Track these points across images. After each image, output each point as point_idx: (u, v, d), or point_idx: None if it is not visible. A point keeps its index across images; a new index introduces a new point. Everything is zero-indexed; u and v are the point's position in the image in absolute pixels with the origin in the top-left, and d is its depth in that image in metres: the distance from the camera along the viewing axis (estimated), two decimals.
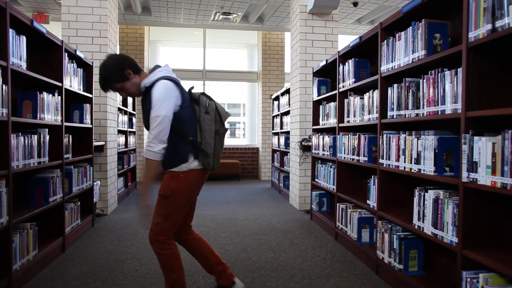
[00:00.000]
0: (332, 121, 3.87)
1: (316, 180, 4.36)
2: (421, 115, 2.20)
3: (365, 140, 2.98)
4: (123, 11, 7.10)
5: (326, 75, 4.44)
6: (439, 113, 2.01)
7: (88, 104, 3.95)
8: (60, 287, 2.45)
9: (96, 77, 4.49)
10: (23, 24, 2.51)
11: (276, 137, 7.18)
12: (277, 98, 7.21)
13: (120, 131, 5.76)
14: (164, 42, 9.86)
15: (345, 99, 3.48)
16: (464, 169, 1.74)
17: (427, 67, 2.17)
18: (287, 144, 6.12)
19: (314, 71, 4.50)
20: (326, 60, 4.02)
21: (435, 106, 2.05)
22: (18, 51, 2.45)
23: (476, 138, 1.68)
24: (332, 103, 3.90)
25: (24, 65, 2.54)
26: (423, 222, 2.14)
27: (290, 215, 4.72)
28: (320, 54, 5.01)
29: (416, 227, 2.21)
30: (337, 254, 3.15)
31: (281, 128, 6.69)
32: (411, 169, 2.27)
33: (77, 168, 3.60)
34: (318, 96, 4.34)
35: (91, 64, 4.05)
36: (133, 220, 4.35)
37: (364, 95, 3.04)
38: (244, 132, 10.90)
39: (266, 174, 8.50)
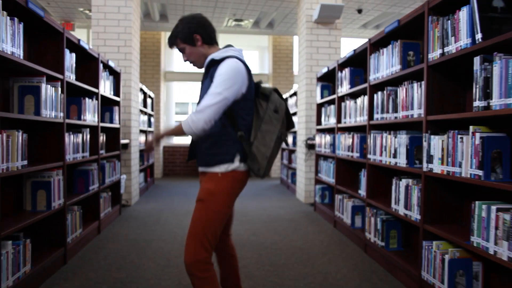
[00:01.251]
0: (332, 122, 4.35)
1: (319, 175, 4.85)
2: (398, 118, 2.67)
3: (357, 139, 3.47)
4: (142, 18, 7.67)
5: (329, 80, 4.92)
6: (409, 117, 2.49)
7: (116, 107, 4.51)
8: (104, 257, 3.00)
9: (123, 83, 5.07)
10: (72, 43, 3.06)
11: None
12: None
13: (140, 131, 6.33)
14: None
15: (342, 103, 3.96)
16: (424, 161, 2.23)
17: (403, 78, 2.65)
18: (294, 143, 6.61)
19: (318, 76, 4.98)
20: (328, 68, 4.49)
21: (407, 111, 2.53)
22: (69, 65, 3.01)
23: (432, 136, 2.16)
24: (332, 105, 4.37)
25: (73, 76, 3.10)
26: (398, 205, 2.62)
27: (296, 207, 5.22)
28: (324, 60, 5.49)
29: (393, 210, 2.69)
30: (334, 238, 3.64)
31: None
32: (390, 162, 2.75)
33: (109, 163, 4.16)
34: (321, 99, 4.82)
35: (119, 71, 4.61)
36: (154, 210, 4.91)
37: (357, 99, 3.51)
38: None
39: (276, 172, 8.99)
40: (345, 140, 3.80)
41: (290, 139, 7.02)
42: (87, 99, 3.41)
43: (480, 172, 1.77)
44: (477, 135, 1.79)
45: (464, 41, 1.94)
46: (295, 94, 6.64)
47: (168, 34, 8.32)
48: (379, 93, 3.00)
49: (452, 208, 2.24)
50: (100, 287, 2.44)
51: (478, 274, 2.02)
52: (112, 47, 5.20)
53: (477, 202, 1.81)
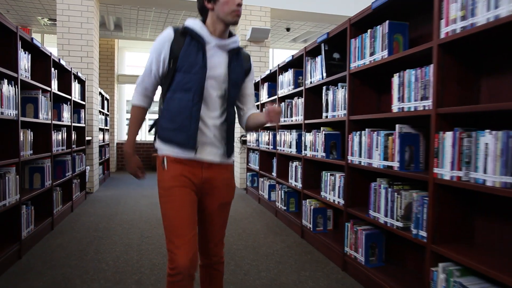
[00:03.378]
0: None
1: (249, 164, 6.11)
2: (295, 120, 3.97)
3: (271, 135, 4.75)
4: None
5: (257, 89, 6.17)
6: (294, 121, 3.80)
7: (83, 109, 5.44)
8: (82, 225, 4.00)
9: (88, 88, 5.98)
10: (55, 62, 4.02)
11: None
12: None
13: (99, 129, 7.21)
14: (130, 49, 11.28)
15: (282, 102, 4.94)
16: (303, 149, 3.53)
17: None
18: None
19: (262, 78, 5.91)
20: (270, 70, 5.36)
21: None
22: (54, 79, 3.98)
23: (307, 133, 3.47)
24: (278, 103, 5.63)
25: (55, 87, 4.06)
26: (293, 180, 3.92)
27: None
28: (256, 72, 6.75)
29: (290, 183, 3.99)
30: (256, 209, 4.90)
31: None
32: (290, 151, 4.06)
33: (78, 155, 5.10)
34: (268, 97, 6.03)
35: (84, 80, 5.54)
36: (114, 195, 5.90)
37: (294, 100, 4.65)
38: None
39: None
40: (264, 136, 5.08)
41: None
42: (64, 104, 4.37)
43: (323, 154, 3.10)
44: (323, 133, 3.12)
45: (318, 76, 3.26)
46: None
47: (122, 43, 9.23)
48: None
49: (313, 176, 3.57)
50: (85, 241, 3.49)
51: (330, 217, 3.36)
52: (76, 58, 6.07)
53: (323, 172, 3.13)
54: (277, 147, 4.44)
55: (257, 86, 5.90)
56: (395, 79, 2.18)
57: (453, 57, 1.84)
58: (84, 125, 5.46)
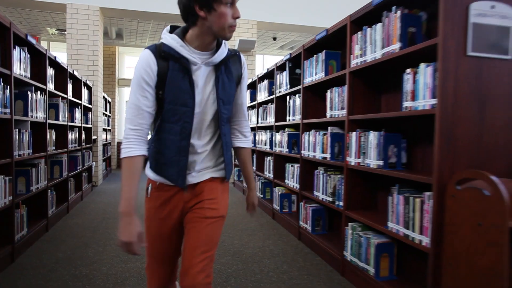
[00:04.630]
0: (252, 123, 6.42)
1: (236, 161, 6.92)
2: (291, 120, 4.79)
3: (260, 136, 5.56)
4: None
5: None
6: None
7: (90, 112, 6.24)
8: (92, 210, 4.80)
9: (94, 93, 6.78)
10: (72, 75, 4.82)
11: None
12: None
13: (103, 129, 8.02)
14: (129, 53, 12.07)
15: (260, 107, 5.78)
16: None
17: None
18: None
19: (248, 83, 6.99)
20: (251, 78, 6.37)
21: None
22: (70, 89, 4.78)
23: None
24: (253, 109, 6.43)
25: (70, 94, 4.87)
26: (269, 172, 4.74)
27: None
28: None
29: (266, 176, 4.81)
30: (241, 200, 5.72)
31: None
32: (266, 148, 4.87)
33: (86, 152, 5.91)
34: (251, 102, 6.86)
35: (91, 86, 6.34)
36: (117, 188, 6.71)
37: (268, 105, 5.54)
38: None
39: None
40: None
41: None
42: (76, 108, 5.18)
43: (287, 149, 3.92)
44: (286, 133, 3.93)
45: (285, 88, 4.08)
46: None
47: (122, 48, 10.11)
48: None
49: (281, 168, 4.39)
50: (96, 221, 4.30)
51: (294, 200, 4.17)
52: (83, 66, 6.87)
53: (287, 164, 3.95)
54: (257, 145, 5.26)
55: (250, 85, 6.73)
56: (328, 94, 3.01)
57: (360, 80, 2.66)
58: (91, 125, 6.27)
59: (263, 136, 4.96)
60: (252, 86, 6.01)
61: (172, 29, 1.34)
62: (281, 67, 4.34)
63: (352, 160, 2.59)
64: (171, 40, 1.26)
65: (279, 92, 4.29)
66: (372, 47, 2.37)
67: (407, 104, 2.03)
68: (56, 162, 4.39)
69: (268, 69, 4.79)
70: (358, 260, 2.48)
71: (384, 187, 2.66)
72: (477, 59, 1.80)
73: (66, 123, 4.51)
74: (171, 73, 1.26)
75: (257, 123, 5.28)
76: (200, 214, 1.37)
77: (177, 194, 1.38)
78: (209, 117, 1.35)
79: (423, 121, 2.30)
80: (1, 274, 2.62)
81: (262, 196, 4.99)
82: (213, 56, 1.30)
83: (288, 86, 3.96)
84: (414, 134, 2.36)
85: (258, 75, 5.33)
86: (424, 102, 1.89)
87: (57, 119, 4.24)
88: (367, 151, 2.41)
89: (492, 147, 1.84)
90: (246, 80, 1.48)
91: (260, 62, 11.51)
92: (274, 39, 9.22)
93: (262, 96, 5.09)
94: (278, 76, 4.34)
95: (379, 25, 2.29)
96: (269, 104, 4.74)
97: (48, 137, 3.80)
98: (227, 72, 1.36)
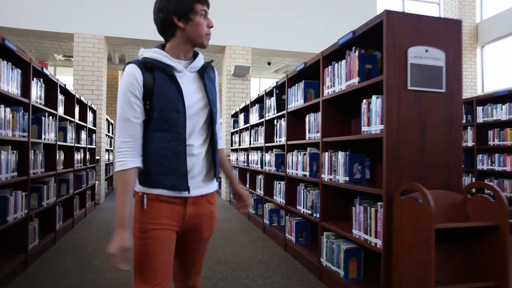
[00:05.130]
0: (245, 144, 6.83)
1: None
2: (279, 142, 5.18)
3: (244, 156, 5.95)
4: None
5: (235, 116, 7.42)
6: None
7: (94, 134, 6.66)
8: (96, 225, 5.14)
9: (98, 116, 7.21)
10: (79, 100, 5.25)
11: None
12: None
13: (106, 150, 8.42)
14: None
15: (252, 129, 6.22)
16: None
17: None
18: None
19: (240, 108, 7.33)
20: (245, 102, 6.86)
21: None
22: (77, 112, 5.21)
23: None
24: (246, 131, 6.84)
25: (77, 117, 5.29)
26: (260, 190, 5.10)
27: (220, 203, 7.59)
28: (238, 101, 8.02)
29: (258, 193, 5.17)
30: (235, 216, 6.06)
31: None
32: (258, 168, 5.25)
33: (90, 171, 6.29)
34: (233, 129, 7.30)
35: (95, 109, 6.78)
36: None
37: (259, 127, 5.97)
38: None
39: None
40: (241, 156, 6.28)
41: None
42: (82, 130, 5.59)
43: (275, 168, 4.30)
44: (274, 153, 4.32)
45: (273, 112, 4.49)
46: (220, 123, 9.11)
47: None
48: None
49: (270, 185, 4.75)
50: (100, 236, 4.64)
51: (283, 215, 4.52)
52: (88, 90, 7.34)
53: (275, 181, 4.32)
54: (249, 164, 5.64)
55: (236, 114, 7.16)
56: (307, 119, 3.41)
57: (332, 107, 3.07)
58: (95, 146, 6.67)
59: (254, 156, 5.35)
60: (246, 110, 6.44)
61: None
62: (269, 93, 4.77)
63: (325, 176, 2.97)
64: (153, 53, 1.33)
65: (268, 115, 4.70)
66: (339, 79, 2.79)
67: (364, 128, 2.43)
68: (63, 180, 4.76)
69: (258, 94, 5.22)
70: (332, 265, 2.83)
71: (353, 200, 3.03)
72: (417, 92, 2.21)
73: (73, 145, 4.91)
74: (158, 82, 1.30)
75: (250, 144, 5.68)
76: (200, 235, 1.45)
77: (178, 205, 1.36)
78: (202, 120, 1.39)
79: (380, 142, 2.69)
80: (16, 279, 2.96)
81: (254, 212, 5.34)
82: (193, 62, 1.39)
83: (276, 111, 4.37)
84: (376, 153, 2.75)
85: (250, 100, 5.76)
86: (376, 127, 2.29)
87: (65, 140, 4.64)
88: (337, 168, 2.80)
89: (431, 164, 2.23)
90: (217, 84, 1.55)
91: (257, 85, 12.01)
92: (269, 63, 9.73)
93: (254, 119, 5.50)
94: (267, 101, 4.77)
95: (343, 62, 2.71)
96: (260, 126, 5.15)
97: (57, 157, 4.19)
98: (209, 78, 1.45)
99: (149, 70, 1.31)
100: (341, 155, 2.73)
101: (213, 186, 1.47)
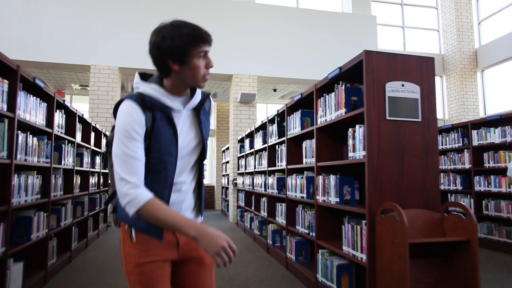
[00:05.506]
0: (251, 168, 7.11)
1: (238, 202, 7.54)
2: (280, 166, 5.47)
3: (250, 179, 6.22)
4: None
5: (241, 141, 7.74)
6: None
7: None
8: (108, 245, 5.41)
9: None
10: (95, 129, 5.63)
11: (224, 178, 10.35)
12: (223, 151, 10.47)
13: None
14: None
15: (257, 154, 6.53)
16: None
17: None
18: (228, 182, 9.29)
19: (238, 139, 7.77)
20: (250, 128, 7.29)
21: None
22: (92, 138, 5.58)
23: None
24: (251, 156, 7.15)
25: (93, 143, 5.66)
26: (264, 211, 5.35)
27: (227, 225, 7.82)
28: (245, 127, 8.36)
29: (262, 215, 5.40)
30: (241, 236, 6.27)
31: (226, 171, 9.89)
32: (263, 191, 5.52)
33: (104, 194, 6.61)
34: (239, 153, 7.61)
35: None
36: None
37: (263, 152, 6.28)
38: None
39: (219, 205, 11.57)
40: (247, 180, 6.56)
41: (226, 180, 9.70)
42: (96, 156, 5.95)
43: (277, 191, 4.56)
44: (276, 177, 4.59)
45: (274, 138, 4.79)
46: (227, 148, 9.44)
47: None
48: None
49: (273, 208, 4.99)
50: (110, 255, 4.90)
51: (285, 235, 4.75)
52: (102, 118, 7.76)
53: (277, 203, 4.58)
54: (254, 188, 5.91)
55: (242, 139, 7.49)
56: (303, 145, 3.70)
57: (325, 134, 3.36)
58: (107, 171, 7.00)
59: (259, 180, 5.62)
60: (251, 135, 6.76)
61: (143, 76, 1.34)
62: (271, 120, 5.08)
63: (320, 198, 3.23)
64: (152, 91, 1.26)
65: (270, 141, 5.00)
66: (329, 109, 3.09)
67: (350, 154, 2.71)
68: (79, 203, 5.08)
69: (262, 121, 5.55)
70: (326, 280, 3.04)
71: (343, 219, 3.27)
72: (395, 121, 2.49)
73: (88, 169, 5.25)
74: (157, 122, 1.26)
75: (255, 168, 5.96)
76: (202, 259, 1.38)
77: (168, 235, 1.32)
78: (194, 158, 1.37)
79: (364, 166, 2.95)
80: None
81: (259, 233, 5.56)
82: (192, 100, 1.34)
83: (277, 137, 4.67)
84: (364, 176, 3.00)
85: (255, 126, 6.08)
86: (359, 153, 2.57)
87: (81, 165, 4.99)
88: (330, 190, 3.06)
89: (410, 186, 2.48)
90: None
91: (264, 111, 12.38)
92: (275, 90, 10.12)
93: (258, 144, 5.81)
94: (269, 127, 5.08)
95: (332, 94, 3.02)
96: (263, 151, 5.44)
97: (74, 181, 4.52)
98: (204, 113, 1.41)
99: (148, 108, 1.26)
100: (332, 178, 3.00)
101: (199, 220, 1.43)
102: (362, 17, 9.48)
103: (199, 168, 1.41)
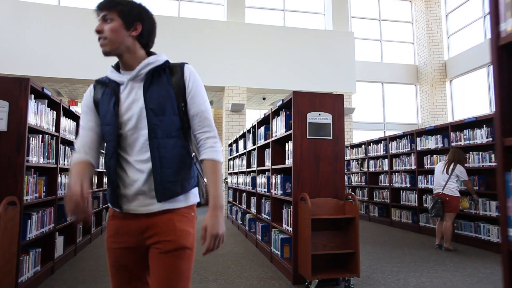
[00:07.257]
0: (237, 168, 8.33)
1: (229, 199, 8.77)
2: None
3: (237, 178, 7.43)
4: None
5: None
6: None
7: None
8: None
9: None
10: None
11: None
12: None
13: None
14: None
15: (240, 158, 7.85)
16: (256, 185, 6.21)
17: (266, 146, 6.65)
18: None
19: (228, 143, 8.99)
20: (238, 134, 8.50)
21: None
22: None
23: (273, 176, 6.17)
24: (238, 158, 8.36)
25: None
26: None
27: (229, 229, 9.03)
28: (235, 132, 9.57)
29: (245, 208, 6.62)
30: (227, 226, 7.48)
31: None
32: (249, 189, 6.73)
33: (105, 193, 7.84)
34: (236, 153, 8.82)
35: None
36: None
37: (252, 153, 7.48)
38: None
39: None
40: (237, 178, 7.77)
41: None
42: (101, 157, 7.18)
43: (265, 189, 5.77)
44: (265, 176, 5.81)
45: (250, 145, 5.99)
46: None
47: None
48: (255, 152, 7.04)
49: (261, 204, 6.19)
50: None
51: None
52: None
53: (262, 200, 5.80)
54: (239, 185, 7.13)
55: (231, 144, 8.71)
56: (265, 152, 4.91)
57: (277, 145, 4.56)
58: None
59: (240, 179, 6.83)
60: (241, 138, 7.97)
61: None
62: (249, 131, 6.28)
63: (273, 191, 4.44)
64: (108, 71, 1.43)
65: (259, 143, 6.19)
66: (278, 128, 4.31)
67: (287, 161, 3.92)
68: (94, 197, 6.32)
69: (252, 124, 6.75)
70: (276, 251, 4.25)
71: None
72: (313, 139, 3.69)
73: (102, 170, 6.49)
74: (102, 97, 1.37)
75: (239, 168, 7.17)
76: (159, 248, 1.31)
77: (131, 221, 1.34)
78: (144, 132, 1.31)
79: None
80: (45, 282, 3.64)
81: (241, 222, 6.77)
82: (136, 69, 1.34)
83: (252, 144, 5.87)
84: None
85: (239, 134, 7.30)
86: (290, 160, 3.78)
87: (97, 167, 6.22)
88: (278, 186, 4.26)
89: (323, 182, 3.68)
90: (197, 90, 1.39)
91: (257, 115, 13.58)
92: (264, 99, 11.33)
93: (240, 149, 7.02)
94: (248, 136, 6.29)
95: (279, 118, 4.23)
96: (254, 152, 6.63)
97: (93, 179, 5.76)
98: (159, 82, 1.34)
99: (102, 84, 1.41)
100: (279, 177, 4.21)
101: (172, 204, 1.35)
102: (341, 33, 10.64)
103: (156, 147, 1.31)
